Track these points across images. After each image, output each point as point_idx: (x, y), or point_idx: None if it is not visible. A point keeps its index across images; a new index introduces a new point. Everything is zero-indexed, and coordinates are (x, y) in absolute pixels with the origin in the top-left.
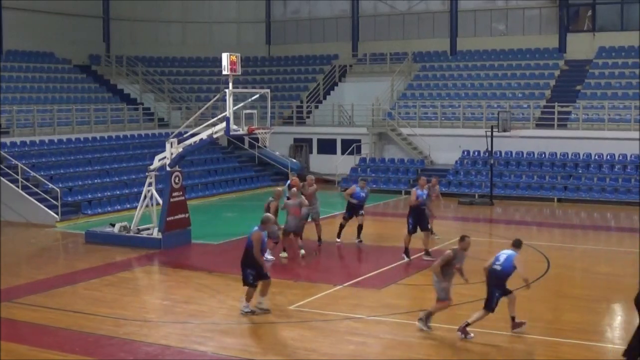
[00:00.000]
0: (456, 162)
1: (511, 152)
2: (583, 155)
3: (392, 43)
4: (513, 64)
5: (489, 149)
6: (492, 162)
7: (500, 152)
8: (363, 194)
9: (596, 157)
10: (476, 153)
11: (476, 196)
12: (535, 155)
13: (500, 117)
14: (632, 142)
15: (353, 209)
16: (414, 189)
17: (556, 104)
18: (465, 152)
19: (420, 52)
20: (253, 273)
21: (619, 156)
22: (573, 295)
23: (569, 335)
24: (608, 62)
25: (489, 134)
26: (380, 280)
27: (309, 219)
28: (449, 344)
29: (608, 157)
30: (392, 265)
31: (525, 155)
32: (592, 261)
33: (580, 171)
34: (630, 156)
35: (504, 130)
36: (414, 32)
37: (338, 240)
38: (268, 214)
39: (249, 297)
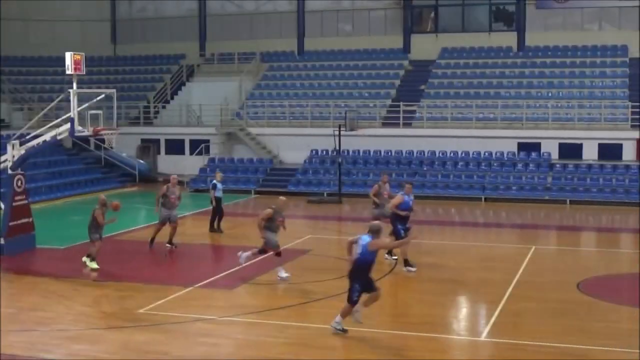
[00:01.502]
0: (305, 161)
1: (359, 151)
2: (428, 153)
3: (240, 43)
4: (359, 64)
5: (337, 147)
6: (340, 160)
7: (348, 151)
8: (411, 202)
9: (440, 154)
10: (324, 152)
11: (325, 194)
12: (382, 154)
13: (348, 117)
14: (474, 140)
15: (403, 220)
16: (400, 194)
17: (401, 103)
18: (314, 151)
19: (269, 52)
20: None
21: (461, 153)
22: (420, 289)
23: (416, 329)
24: (450, 62)
25: (336, 133)
26: (232, 280)
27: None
28: (302, 342)
29: (451, 154)
30: (245, 265)
31: (372, 154)
32: (439, 255)
33: (425, 168)
34: (472, 153)
35: (351, 129)
36: (262, 32)
37: (410, 268)
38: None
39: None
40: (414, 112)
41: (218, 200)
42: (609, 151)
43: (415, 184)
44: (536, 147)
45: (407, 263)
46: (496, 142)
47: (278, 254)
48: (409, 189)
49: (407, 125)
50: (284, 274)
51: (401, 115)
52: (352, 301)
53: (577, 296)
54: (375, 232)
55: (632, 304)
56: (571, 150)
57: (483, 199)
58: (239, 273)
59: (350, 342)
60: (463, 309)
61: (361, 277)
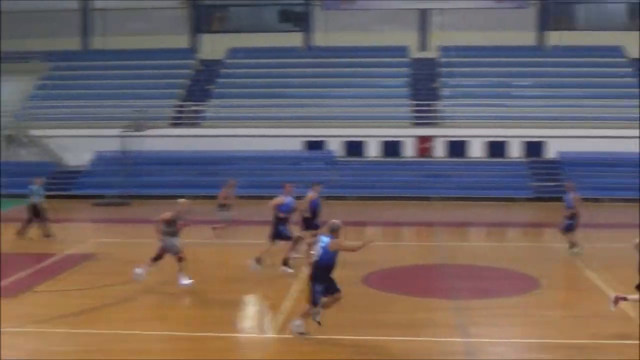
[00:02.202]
0: (90, 163)
1: (148, 152)
2: (218, 152)
3: (23, 41)
4: (146, 64)
5: (125, 149)
6: (127, 162)
7: (137, 152)
8: (292, 203)
9: (230, 153)
10: (111, 153)
11: (111, 197)
12: (171, 154)
13: (135, 117)
14: (262, 139)
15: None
16: (281, 197)
17: (190, 103)
18: (99, 153)
19: (52, 51)
20: None
21: (251, 152)
22: (204, 290)
23: (210, 329)
24: (239, 62)
25: (123, 133)
26: (13, 288)
27: None
28: (93, 349)
29: (241, 153)
30: (28, 272)
31: (161, 154)
32: (225, 255)
33: (220, 168)
34: (261, 152)
35: (139, 130)
36: (46, 31)
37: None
38: None
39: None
40: (203, 111)
41: (34, 205)
42: (391, 148)
43: (203, 184)
44: (322, 145)
45: (285, 263)
46: (284, 141)
47: (180, 259)
48: (289, 190)
49: (195, 125)
50: (186, 281)
51: (190, 115)
52: (313, 303)
53: (361, 289)
54: (334, 231)
55: (415, 294)
56: (356, 148)
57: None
58: (24, 281)
59: (149, 345)
60: (251, 308)
61: (322, 279)
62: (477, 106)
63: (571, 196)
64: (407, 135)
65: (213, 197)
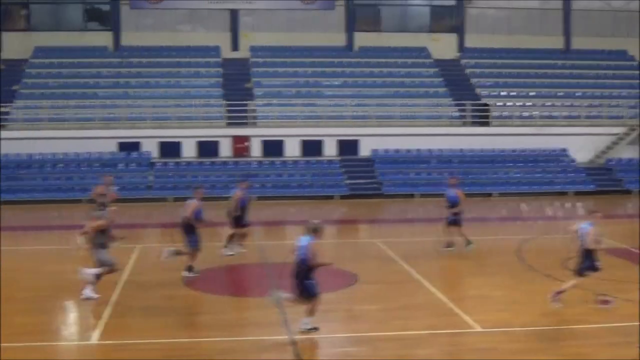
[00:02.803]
0: None
1: None
2: (24, 155)
3: None
4: None
5: None
6: None
7: None
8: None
9: (38, 156)
10: None
11: None
12: None
13: None
14: (72, 141)
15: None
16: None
17: None
18: None
19: None
20: None
21: (60, 155)
22: (21, 297)
23: (20, 339)
24: (45, 61)
25: None
26: None
27: None
28: None
29: (50, 156)
30: None
31: None
32: (39, 261)
33: (21, 172)
34: (71, 154)
35: None
36: None
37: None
38: None
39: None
40: (7, 113)
41: None
42: (207, 148)
43: (11, 188)
44: (136, 146)
45: (190, 269)
46: (96, 143)
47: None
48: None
49: (0, 127)
50: (92, 294)
51: None
52: (314, 295)
53: (183, 292)
54: (314, 231)
55: (235, 294)
56: (171, 149)
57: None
58: None
59: None
60: (70, 314)
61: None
62: (290, 106)
63: (454, 192)
64: (223, 135)
65: (19, 202)
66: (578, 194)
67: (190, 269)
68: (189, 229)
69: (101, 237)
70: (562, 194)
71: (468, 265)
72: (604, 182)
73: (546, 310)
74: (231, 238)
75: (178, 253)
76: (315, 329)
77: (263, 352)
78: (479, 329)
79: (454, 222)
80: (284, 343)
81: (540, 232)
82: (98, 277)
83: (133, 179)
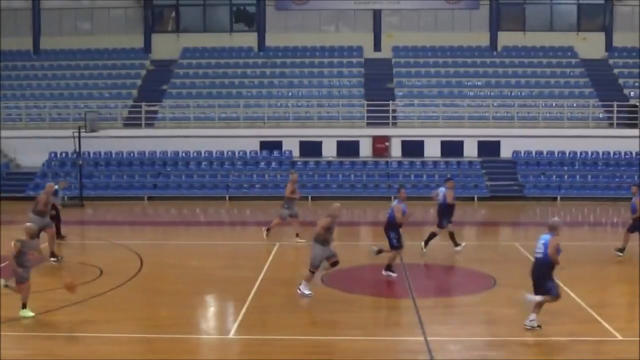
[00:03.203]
0: (43, 164)
1: (100, 153)
2: (171, 153)
3: None
4: (99, 64)
5: (77, 149)
6: (80, 163)
7: (89, 153)
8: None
9: (183, 154)
10: (64, 154)
11: (65, 198)
12: (125, 155)
13: (88, 118)
14: (217, 139)
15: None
16: (396, 203)
17: (143, 103)
18: (53, 154)
19: (2, 51)
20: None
21: (205, 153)
22: (167, 291)
23: (165, 330)
24: (192, 62)
25: (76, 134)
26: None
27: None
28: None
29: (195, 154)
30: None
31: (114, 155)
32: (183, 256)
33: (168, 169)
34: (216, 153)
35: (92, 131)
36: None
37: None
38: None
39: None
40: (156, 112)
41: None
42: (347, 148)
43: (158, 184)
44: (278, 145)
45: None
46: (239, 142)
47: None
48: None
49: (149, 125)
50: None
51: (143, 115)
52: (552, 294)
53: (321, 289)
54: (553, 229)
55: (372, 294)
56: (311, 148)
57: (227, 198)
58: None
59: (93, 348)
60: (211, 308)
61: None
62: (431, 106)
63: (635, 200)
64: (363, 135)
65: (163, 199)
66: None
67: (389, 267)
68: (393, 228)
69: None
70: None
71: (612, 272)
72: None
73: None
74: (452, 236)
75: (380, 252)
76: (539, 327)
77: (399, 353)
78: (620, 337)
79: (633, 229)
80: (419, 344)
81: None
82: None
83: (274, 178)
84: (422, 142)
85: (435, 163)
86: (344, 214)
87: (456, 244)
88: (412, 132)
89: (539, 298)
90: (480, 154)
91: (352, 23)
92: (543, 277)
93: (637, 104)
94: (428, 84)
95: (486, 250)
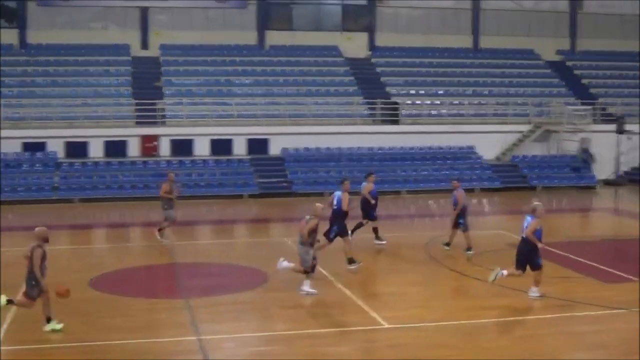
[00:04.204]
0: None
1: None
2: None
3: None
4: None
5: None
6: None
7: None
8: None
9: None
10: None
11: None
12: None
13: None
14: None
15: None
16: (339, 193)
17: None
18: None
19: None
20: None
21: None
22: None
23: None
24: None
25: None
26: None
27: None
28: None
29: None
30: None
31: None
32: None
33: None
34: None
35: None
36: None
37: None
38: None
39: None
40: None
41: None
42: (115, 148)
43: None
44: (42, 146)
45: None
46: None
47: None
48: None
49: None
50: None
51: None
52: (539, 266)
53: (90, 294)
54: (533, 212)
55: (145, 296)
56: (77, 149)
57: None
58: None
59: None
60: None
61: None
62: (200, 104)
63: (455, 194)
64: (131, 135)
65: None
66: (485, 190)
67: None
68: (338, 219)
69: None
70: (470, 190)
71: (379, 263)
72: (510, 178)
73: (460, 306)
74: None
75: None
76: (543, 296)
77: (174, 354)
78: (387, 325)
79: (458, 225)
80: (194, 344)
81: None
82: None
83: (38, 180)
84: (192, 140)
85: (204, 161)
86: (114, 216)
87: (351, 230)
88: (182, 131)
89: (506, 272)
90: (249, 151)
91: (120, 21)
92: (529, 253)
93: (399, 101)
94: (197, 82)
95: (258, 247)
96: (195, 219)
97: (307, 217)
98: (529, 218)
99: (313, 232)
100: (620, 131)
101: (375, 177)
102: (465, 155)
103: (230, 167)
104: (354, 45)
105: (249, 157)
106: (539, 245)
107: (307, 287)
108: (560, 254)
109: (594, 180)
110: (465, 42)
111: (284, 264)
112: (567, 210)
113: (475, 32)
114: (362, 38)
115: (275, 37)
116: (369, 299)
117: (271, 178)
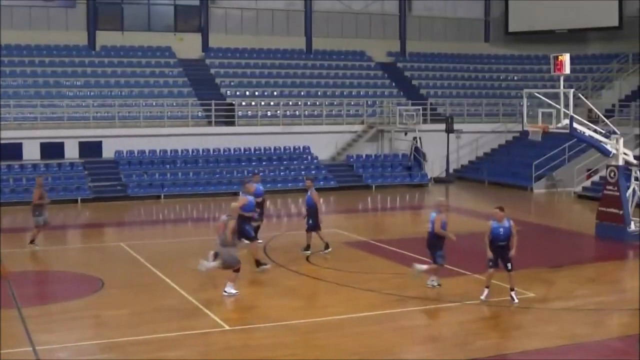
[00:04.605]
0: None
1: None
2: None
3: None
4: None
5: None
6: None
7: None
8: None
9: None
10: None
11: None
12: None
13: None
14: None
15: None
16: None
17: None
18: None
19: None
20: None
21: None
22: None
23: None
24: None
25: None
26: None
27: None
28: None
29: None
30: None
31: None
32: None
33: None
34: None
35: None
36: None
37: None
38: None
39: None
40: None
41: None
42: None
43: None
44: None
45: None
46: None
47: None
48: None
49: None
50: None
51: None
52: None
53: None
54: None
55: None
56: None
57: None
58: None
59: None
60: None
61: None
62: (28, 107)
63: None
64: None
65: None
66: (321, 190)
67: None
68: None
69: None
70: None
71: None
72: (345, 178)
73: (297, 305)
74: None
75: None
76: (439, 285)
77: None
78: (227, 327)
79: (313, 227)
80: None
81: (286, 229)
82: None
83: None
84: (21, 144)
85: (34, 166)
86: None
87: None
88: (9, 135)
89: (425, 267)
90: (81, 154)
91: None
92: (434, 247)
93: (233, 102)
94: (24, 84)
95: (92, 253)
96: (26, 225)
97: (224, 217)
98: (433, 214)
99: (234, 232)
100: (449, 130)
101: (259, 177)
102: (301, 155)
103: (62, 172)
104: (187, 46)
105: (81, 160)
106: (450, 237)
107: (231, 288)
108: (395, 251)
109: (426, 178)
110: (298, 43)
111: (206, 263)
112: (400, 207)
113: (308, 34)
114: (195, 39)
115: (106, 38)
116: (209, 301)
117: (105, 182)
